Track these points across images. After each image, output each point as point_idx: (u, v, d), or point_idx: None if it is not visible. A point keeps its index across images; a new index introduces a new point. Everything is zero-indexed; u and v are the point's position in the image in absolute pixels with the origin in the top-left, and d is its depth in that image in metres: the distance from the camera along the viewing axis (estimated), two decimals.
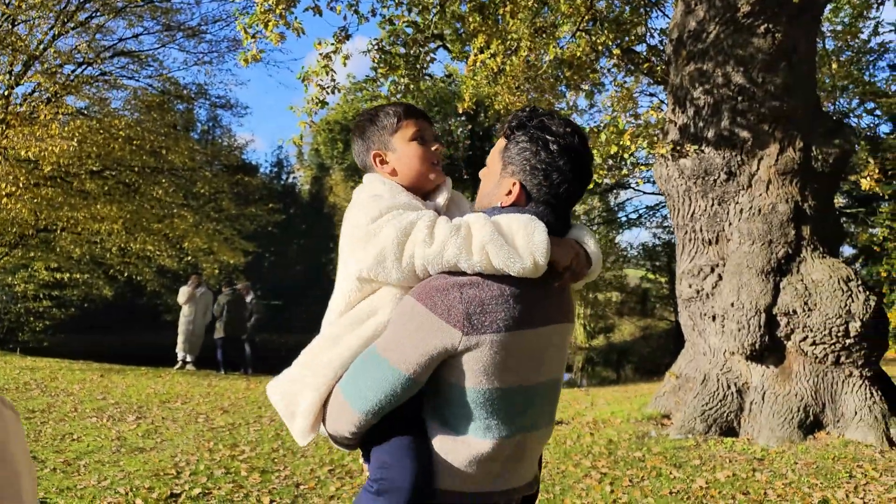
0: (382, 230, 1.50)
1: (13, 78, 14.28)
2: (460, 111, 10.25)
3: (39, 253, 18.18)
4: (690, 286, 6.78)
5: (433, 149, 1.75)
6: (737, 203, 6.52)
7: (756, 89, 6.40)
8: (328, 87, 8.42)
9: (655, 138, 6.94)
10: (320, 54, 8.16)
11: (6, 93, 13.62)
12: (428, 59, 9.86)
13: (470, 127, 34.38)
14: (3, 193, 12.07)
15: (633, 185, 19.61)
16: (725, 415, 6.35)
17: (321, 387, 1.55)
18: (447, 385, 1.48)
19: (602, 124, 7.59)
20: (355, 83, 31.47)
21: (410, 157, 1.72)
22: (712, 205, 6.64)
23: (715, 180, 6.57)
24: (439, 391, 1.49)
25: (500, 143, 1.62)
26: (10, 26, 14.36)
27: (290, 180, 40.03)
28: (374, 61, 9.26)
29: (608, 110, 13.90)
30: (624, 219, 22.63)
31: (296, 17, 7.75)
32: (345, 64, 8.48)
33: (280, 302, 38.88)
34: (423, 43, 9.43)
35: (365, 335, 1.54)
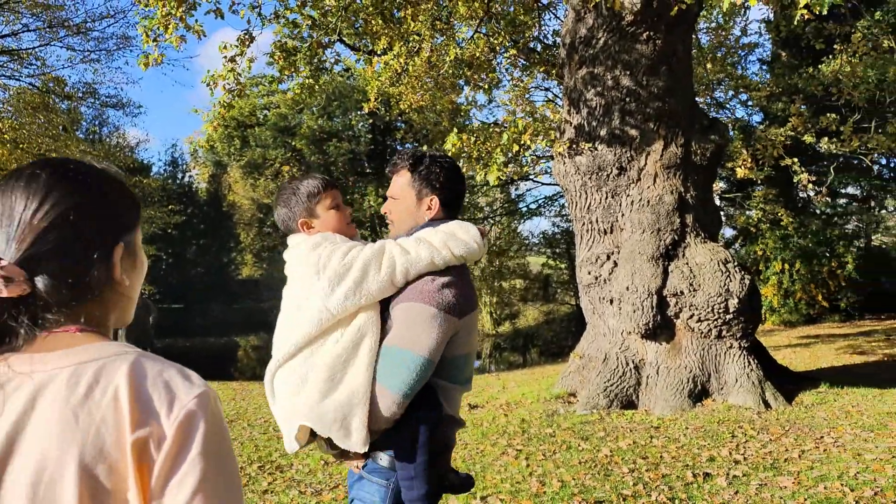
0: (359, 257, 1.95)
1: None
2: (366, 111, 10.50)
3: None
4: (589, 273, 7.34)
5: (347, 213, 2.20)
6: (628, 195, 7.12)
7: (641, 91, 7.00)
8: (234, 90, 8.46)
9: (554, 136, 7.45)
10: (224, 57, 8.18)
11: None
12: (332, 60, 10.01)
13: (371, 122, 34.41)
14: None
15: (531, 178, 20.38)
16: (625, 389, 6.94)
17: (364, 400, 1.89)
18: (447, 358, 1.96)
19: (503, 125, 8.03)
20: (251, 78, 30.84)
21: (333, 222, 2.14)
22: (606, 198, 7.21)
23: (608, 175, 7.14)
24: (442, 364, 1.96)
25: (404, 176, 2.14)
26: None
27: (185, 179, 38.76)
28: (277, 62, 9.31)
29: (507, 106, 14.46)
30: (525, 209, 23.47)
31: (196, 20, 7.76)
32: (249, 68, 8.52)
33: (181, 305, 37.68)
34: (326, 45, 9.56)
35: (366, 353, 1.92)
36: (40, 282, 0.92)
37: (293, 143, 32.58)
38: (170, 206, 22.74)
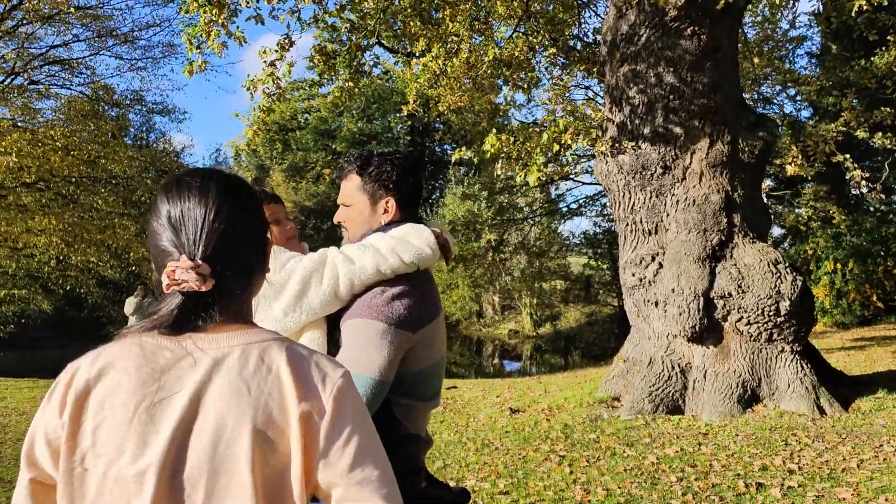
0: (298, 269, 1.83)
1: None
2: (405, 113, 10.47)
3: None
4: (633, 275, 7.18)
5: (288, 227, 2.12)
6: (673, 195, 6.94)
7: (686, 88, 6.82)
8: (274, 95, 8.52)
9: (595, 135, 7.31)
10: (265, 62, 8.24)
11: None
12: (371, 62, 10.02)
13: (410, 124, 34.52)
14: None
15: (572, 177, 20.15)
16: (671, 394, 6.77)
17: None
18: (404, 374, 1.81)
19: (543, 124, 7.91)
20: (292, 83, 31.22)
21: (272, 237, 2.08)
22: (650, 197, 7.05)
23: (652, 174, 6.97)
24: (399, 380, 1.82)
25: (353, 181, 1.98)
26: None
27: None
28: (316, 65, 9.35)
29: (547, 105, 14.30)
30: (565, 209, 23.17)
31: (238, 27, 7.82)
32: (289, 72, 8.58)
33: None
34: (364, 48, 9.57)
35: None
36: (225, 276, 1.10)
37: (333, 146, 32.88)
38: None
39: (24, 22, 15.39)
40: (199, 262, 1.08)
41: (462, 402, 8.86)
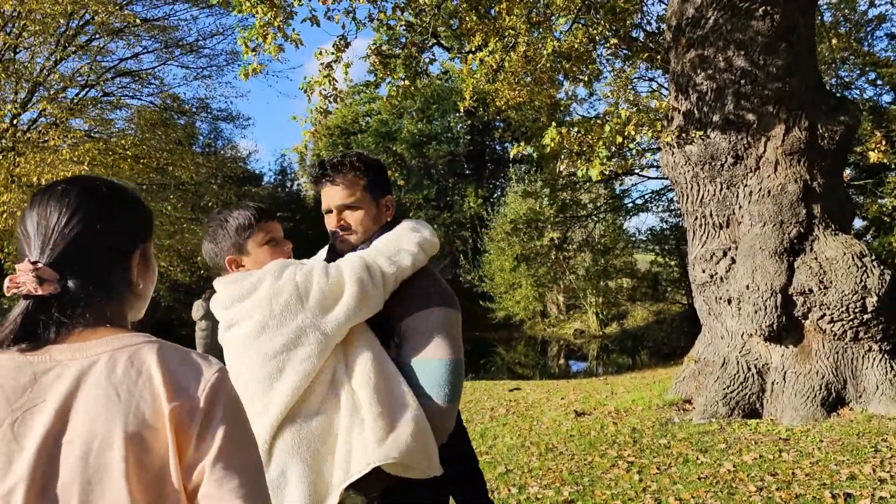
0: (345, 273, 1.80)
1: (19, 105, 14.42)
2: (462, 110, 10.31)
3: None
4: (704, 271, 6.82)
5: (286, 248, 1.99)
6: (745, 186, 6.55)
7: (758, 72, 6.42)
8: (331, 96, 8.49)
9: (660, 126, 6.98)
10: (321, 64, 8.23)
11: (13, 121, 13.74)
12: (426, 60, 9.91)
13: (469, 122, 34.39)
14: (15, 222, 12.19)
15: (637, 172, 19.59)
16: (747, 396, 6.39)
17: (425, 419, 1.76)
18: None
19: (605, 116, 7.62)
20: (353, 86, 31.53)
21: (264, 260, 1.91)
22: (721, 189, 6.68)
23: (722, 164, 6.60)
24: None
25: (356, 183, 1.96)
26: (13, 54, 14.49)
27: (294, 187, 40.12)
28: (372, 66, 9.31)
29: (608, 99, 13.92)
30: (630, 205, 22.54)
31: (294, 29, 7.81)
32: (346, 73, 8.54)
33: None
34: (421, 45, 9.47)
35: (393, 369, 1.82)
36: (70, 282, 1.08)
37: (394, 148, 33.04)
38: (278, 214, 23.45)
39: (97, 36, 15.96)
40: (40, 265, 1.07)
41: (526, 404, 8.64)
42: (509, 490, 4.80)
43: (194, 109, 19.14)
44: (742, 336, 6.53)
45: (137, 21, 14.72)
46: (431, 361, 1.75)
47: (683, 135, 6.71)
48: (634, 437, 6.02)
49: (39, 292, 1.05)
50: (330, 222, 2.00)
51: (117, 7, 13.76)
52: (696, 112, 6.76)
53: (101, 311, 1.11)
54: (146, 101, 18.01)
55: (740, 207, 6.60)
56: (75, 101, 15.33)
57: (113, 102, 16.76)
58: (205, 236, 1.97)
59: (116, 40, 16.24)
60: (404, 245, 1.88)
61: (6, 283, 1.06)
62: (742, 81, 6.48)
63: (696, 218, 6.89)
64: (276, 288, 1.75)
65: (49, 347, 1.06)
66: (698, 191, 6.82)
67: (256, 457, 1.09)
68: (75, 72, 15.71)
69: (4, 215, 12.10)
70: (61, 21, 13.53)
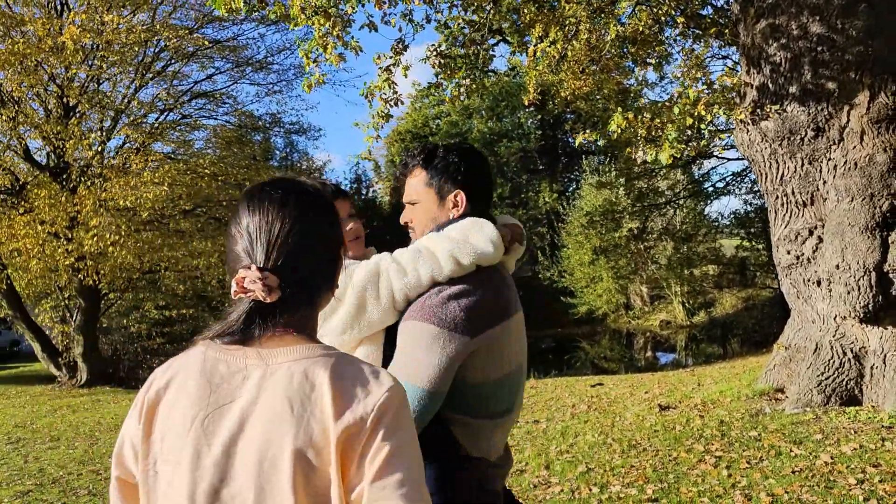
0: (351, 283, 1.66)
1: (104, 133, 15.23)
2: (526, 103, 10.15)
3: (148, 294, 19.30)
4: (789, 252, 6.45)
5: (348, 228, 1.90)
6: (829, 159, 6.15)
7: (836, 36, 6.02)
8: (391, 100, 8.52)
9: (733, 103, 6.65)
10: (380, 68, 8.27)
11: (100, 148, 14.51)
12: (488, 55, 9.82)
13: (539, 117, 34.05)
14: (109, 242, 12.87)
15: (715, 154, 18.86)
16: (844, 383, 5.99)
17: None
18: (464, 386, 1.62)
19: (674, 97, 7.32)
20: (420, 90, 31.75)
21: None
22: (802, 164, 6.29)
23: (802, 139, 6.22)
24: (456, 393, 1.61)
25: (419, 176, 1.82)
26: (96, 85, 15.32)
27: (370, 194, 40.77)
28: (433, 67, 9.30)
29: (680, 81, 13.43)
30: (711, 189, 21.72)
31: (353, 37, 7.88)
32: (405, 75, 8.55)
33: None
34: (481, 42, 9.39)
35: None
36: (289, 289, 1.10)
37: None
38: None
39: (172, 62, 16.67)
40: (268, 273, 1.09)
41: (608, 399, 8.42)
42: (590, 489, 4.66)
43: (267, 125, 19.71)
44: (835, 319, 6.13)
45: (207, 43, 15.27)
46: None
47: (758, 110, 6.36)
48: (722, 431, 5.74)
49: (269, 300, 1.08)
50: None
51: (187, 31, 14.31)
52: (770, 85, 6.39)
53: (298, 317, 1.14)
54: (222, 120, 18.70)
55: (824, 183, 6.20)
56: (155, 125, 16.03)
57: (191, 124, 17.46)
58: None
59: (190, 64, 16.95)
60: (437, 251, 1.64)
61: (234, 286, 1.10)
62: (819, 48, 6.09)
63: (777, 197, 6.52)
64: None
65: (246, 348, 1.10)
66: (777, 168, 6.45)
67: (417, 476, 1.05)
68: (154, 97, 16.47)
69: (95, 238, 12.78)
70: (137, 49, 14.17)
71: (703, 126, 6.82)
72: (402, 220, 1.88)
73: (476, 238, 1.66)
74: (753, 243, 22.87)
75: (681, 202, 22.49)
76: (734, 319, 25.65)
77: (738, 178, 20.61)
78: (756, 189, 21.02)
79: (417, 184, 1.83)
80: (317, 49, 7.79)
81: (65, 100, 14.18)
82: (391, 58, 8.31)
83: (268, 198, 1.15)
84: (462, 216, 1.78)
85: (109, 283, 15.06)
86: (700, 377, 9.62)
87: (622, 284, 27.19)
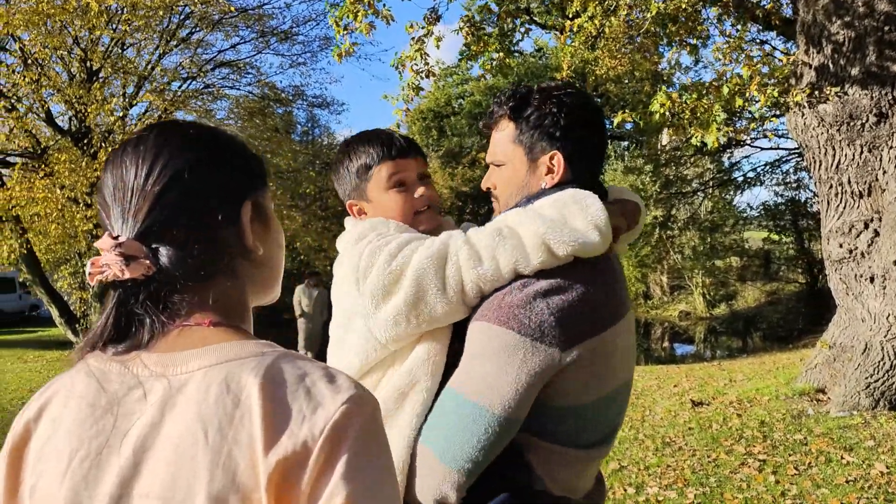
0: (408, 266, 1.26)
1: (127, 99, 15.01)
2: (560, 81, 9.76)
3: None
4: (841, 246, 6.07)
5: (417, 195, 1.48)
6: (891, 147, 5.74)
7: None
8: (423, 72, 8.20)
9: (788, 84, 6.24)
10: (412, 38, 7.94)
11: (122, 114, 14.30)
12: (522, 30, 9.46)
13: None
14: None
15: (748, 143, 18.30)
16: (895, 387, 5.64)
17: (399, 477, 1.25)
18: (548, 408, 1.24)
19: (722, 76, 6.91)
20: (445, 69, 31.29)
21: (389, 209, 1.47)
22: (861, 152, 5.89)
23: (863, 124, 5.82)
24: (538, 415, 1.24)
25: (506, 130, 1.41)
26: (120, 50, 15.08)
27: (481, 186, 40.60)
28: (466, 38, 8.94)
29: (721, 62, 12.95)
30: (740, 178, 21.12)
31: (384, 5, 7.56)
32: (437, 46, 8.20)
33: None
34: (514, 14, 9.01)
35: (412, 410, 1.26)
36: (163, 255, 0.80)
37: None
38: None
39: (197, 29, 16.38)
40: (123, 239, 0.79)
41: (635, 391, 8.11)
42: (625, 490, 4.37)
43: (290, 97, 19.40)
44: (888, 318, 5.76)
45: (232, 8, 14.94)
46: (458, 398, 1.20)
47: (816, 92, 5.96)
48: (764, 432, 5.42)
49: (127, 276, 0.78)
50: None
51: None
52: (830, 66, 5.98)
53: (203, 297, 0.82)
54: (244, 91, 18.41)
55: (884, 173, 5.80)
56: (178, 93, 15.81)
57: (213, 93, 17.21)
58: (331, 173, 1.59)
59: (215, 32, 16.64)
60: (525, 234, 1.23)
61: (87, 268, 0.80)
62: (886, 28, 5.67)
63: (832, 186, 6.13)
64: (349, 252, 1.37)
65: (139, 353, 0.79)
66: (834, 155, 6.05)
67: None
68: (178, 65, 16.20)
69: None
70: (161, 14, 13.90)
71: (752, 108, 6.43)
72: (483, 185, 1.48)
73: (577, 219, 1.23)
74: (781, 236, 22.32)
75: (708, 191, 21.94)
76: (756, 313, 25.17)
77: (770, 169, 20.03)
78: (788, 180, 20.47)
79: (503, 140, 1.42)
80: (347, 16, 7.49)
81: (88, 64, 13.96)
82: (423, 28, 7.98)
83: (123, 146, 0.86)
84: (559, 185, 1.36)
85: None
86: (730, 372, 9.27)
87: (643, 273, 26.78)
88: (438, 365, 1.28)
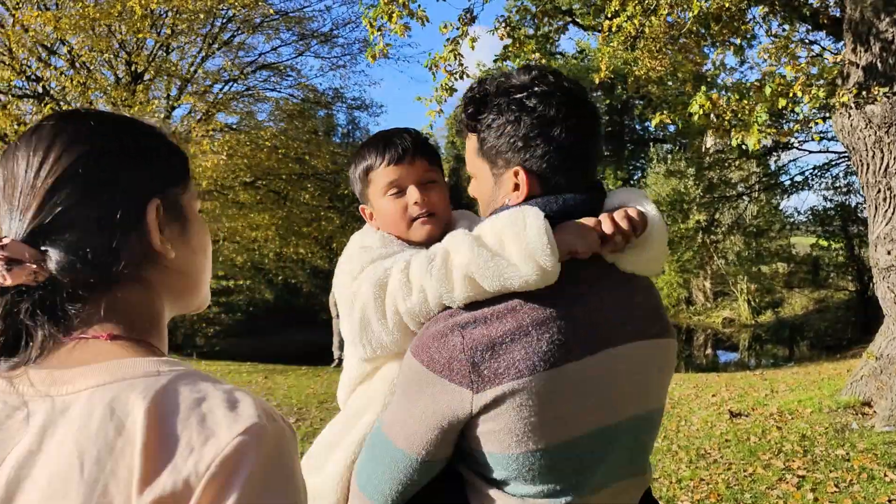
0: (360, 289, 1.22)
1: (170, 101, 15.32)
2: (597, 81, 9.58)
3: None
4: (889, 252, 5.80)
5: (412, 202, 1.37)
6: None
7: None
8: (457, 73, 8.13)
9: (835, 85, 6.00)
10: (447, 39, 7.88)
11: (164, 115, 14.59)
12: (558, 29, 9.32)
13: (607, 102, 33.12)
14: None
15: (795, 146, 17.78)
16: None
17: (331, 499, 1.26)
18: (477, 453, 1.11)
19: (765, 76, 6.69)
20: (484, 70, 31.21)
21: (386, 215, 1.41)
22: None
23: None
24: (469, 458, 1.13)
25: (470, 143, 1.25)
26: (165, 53, 15.39)
27: None
28: (501, 38, 8.86)
29: (761, 63, 12.60)
30: (788, 182, 20.52)
31: (419, 6, 7.53)
32: (472, 47, 8.13)
33: None
34: (552, 14, 8.88)
35: (359, 434, 1.26)
36: (53, 258, 0.72)
37: None
38: None
39: (239, 33, 16.63)
40: (8, 240, 0.71)
41: (671, 400, 7.89)
42: None
43: (330, 99, 19.55)
44: None
45: (272, 11, 15.12)
46: (378, 434, 1.20)
47: (863, 93, 5.71)
48: (804, 446, 5.19)
49: (8, 282, 0.70)
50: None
51: (254, 0, 14.19)
52: (879, 65, 5.73)
53: (104, 306, 0.74)
54: (285, 93, 18.59)
55: None
56: (219, 95, 16.08)
57: (254, 95, 17.43)
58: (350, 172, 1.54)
59: (257, 35, 16.85)
60: (453, 264, 1.10)
61: None
62: None
63: (880, 191, 5.87)
64: (344, 273, 1.37)
65: (27, 370, 0.70)
66: (882, 158, 5.79)
67: None
68: (220, 68, 16.46)
69: None
70: (203, 18, 14.13)
71: (797, 109, 6.20)
72: (470, 193, 1.34)
73: (511, 248, 1.05)
74: (831, 242, 21.64)
75: (754, 195, 21.39)
76: (804, 321, 24.47)
77: (819, 173, 19.42)
78: (838, 184, 19.83)
79: (469, 151, 1.27)
80: (382, 17, 7.49)
81: (133, 67, 14.28)
82: (458, 28, 7.93)
83: (26, 137, 0.77)
84: (527, 200, 1.16)
85: None
86: (772, 382, 8.96)
87: (685, 278, 26.27)
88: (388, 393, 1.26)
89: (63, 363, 0.70)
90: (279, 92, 18.38)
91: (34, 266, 0.71)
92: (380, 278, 1.18)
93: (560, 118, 1.14)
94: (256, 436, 0.64)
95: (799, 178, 19.92)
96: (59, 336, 0.71)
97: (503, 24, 8.71)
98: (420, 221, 1.39)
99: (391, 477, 1.11)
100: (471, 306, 1.08)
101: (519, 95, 1.15)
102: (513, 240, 1.05)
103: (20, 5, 12.31)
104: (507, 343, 1.03)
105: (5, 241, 0.71)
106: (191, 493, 0.61)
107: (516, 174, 1.16)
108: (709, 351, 23.07)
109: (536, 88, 1.15)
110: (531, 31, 9.55)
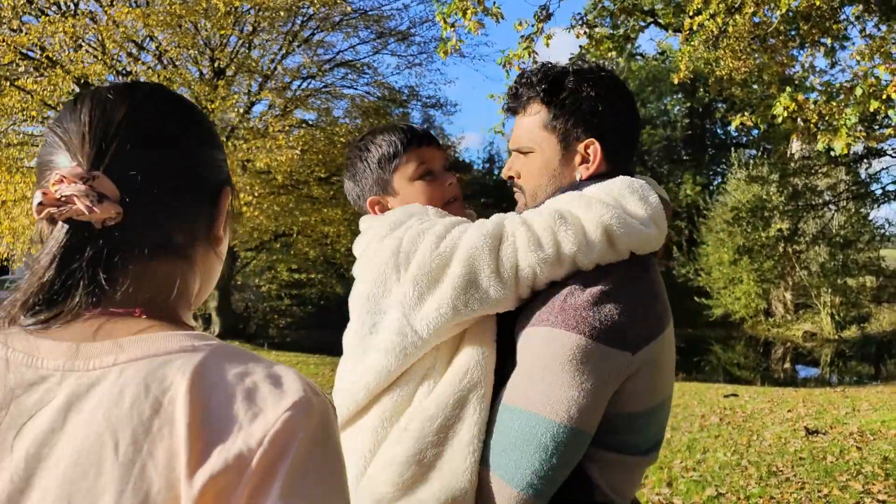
0: (458, 248, 1.13)
1: (250, 97, 15.80)
2: (676, 82, 9.30)
3: (280, 256, 20.05)
4: None
5: (448, 184, 1.37)
6: None
7: None
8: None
9: None
10: (521, 36, 7.81)
11: (244, 110, 15.06)
12: (637, 27, 9.11)
13: (688, 104, 32.26)
14: (244, 203, 13.33)
15: (889, 153, 16.84)
16: None
17: (467, 499, 1.10)
18: (613, 416, 1.13)
19: (856, 77, 6.34)
20: None
21: (417, 201, 1.34)
22: None
23: None
24: (602, 424, 1.13)
25: (537, 114, 1.26)
26: (247, 50, 15.89)
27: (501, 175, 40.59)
28: (577, 37, 8.71)
29: (854, 62, 11.98)
30: (879, 191, 19.45)
31: (494, 2, 7.49)
32: (547, 45, 8.03)
33: None
34: (630, 12, 8.68)
35: (474, 418, 1.12)
36: (135, 210, 0.67)
37: None
38: (482, 200, 23.72)
39: (318, 31, 17.00)
40: (98, 174, 0.65)
41: (744, 414, 7.59)
42: None
43: (405, 97, 19.75)
44: None
45: (350, 9, 15.38)
46: (521, 414, 1.07)
47: None
48: (886, 469, 4.88)
49: (97, 214, 0.65)
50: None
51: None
52: None
53: (145, 276, 0.69)
54: (362, 91, 18.91)
55: None
56: (298, 91, 16.49)
57: (332, 92, 17.79)
58: (345, 172, 1.47)
59: (335, 32, 17.20)
60: (585, 220, 1.11)
61: (36, 198, 0.66)
62: None
63: None
64: (380, 243, 1.24)
65: (55, 341, 0.65)
66: None
67: None
68: (299, 65, 16.88)
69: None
70: (283, 15, 14.50)
71: (890, 112, 5.85)
72: (504, 174, 1.35)
73: (636, 207, 1.13)
74: None
75: (842, 204, 20.37)
76: (892, 338, 23.17)
77: None
78: None
79: (533, 125, 1.27)
80: (455, 13, 7.48)
81: (216, 63, 14.79)
82: (533, 25, 7.85)
83: (107, 87, 0.73)
84: (595, 177, 1.23)
85: (243, 241, 15.67)
86: (854, 400, 8.49)
87: (765, 289, 25.28)
88: (492, 365, 1.15)
89: (90, 336, 0.65)
90: (356, 89, 18.72)
91: (118, 208, 0.66)
92: (490, 231, 1.13)
93: (629, 106, 1.28)
94: (304, 410, 0.62)
95: (892, 188, 18.86)
96: (97, 298, 0.67)
97: (580, 22, 8.56)
98: (453, 206, 1.37)
99: (551, 459, 1.05)
100: (600, 274, 1.11)
101: (596, 75, 1.25)
102: (637, 204, 1.14)
103: (113, 2, 12.94)
104: (644, 306, 1.12)
105: (97, 173, 0.67)
106: (243, 471, 0.59)
107: (588, 146, 1.24)
108: (787, 365, 22.14)
109: (607, 73, 1.27)
110: (609, 31, 9.36)
